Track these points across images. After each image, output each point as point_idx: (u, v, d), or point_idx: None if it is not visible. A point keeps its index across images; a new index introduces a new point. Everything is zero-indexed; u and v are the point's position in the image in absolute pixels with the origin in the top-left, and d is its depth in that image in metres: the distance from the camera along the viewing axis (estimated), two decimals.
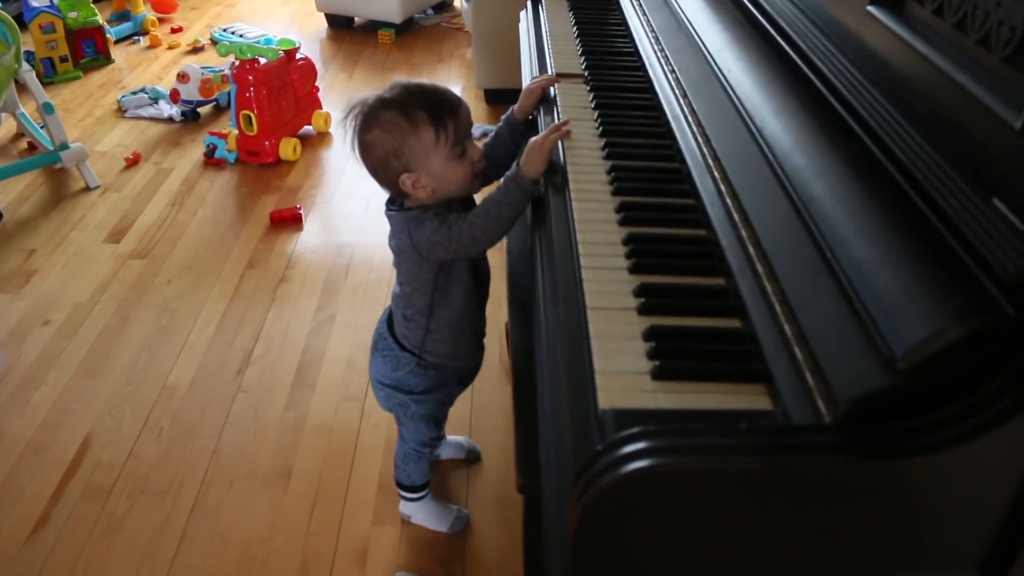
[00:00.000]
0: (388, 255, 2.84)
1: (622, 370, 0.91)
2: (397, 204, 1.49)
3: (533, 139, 1.37)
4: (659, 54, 1.58)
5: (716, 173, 1.16)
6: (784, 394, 0.85)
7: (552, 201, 1.28)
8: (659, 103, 1.45)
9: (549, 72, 1.73)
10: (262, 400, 2.22)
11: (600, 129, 1.43)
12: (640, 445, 0.71)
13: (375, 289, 2.66)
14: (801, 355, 0.83)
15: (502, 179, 1.39)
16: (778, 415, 0.85)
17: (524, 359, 1.43)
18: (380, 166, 1.42)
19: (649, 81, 1.56)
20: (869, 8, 1.04)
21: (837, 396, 0.75)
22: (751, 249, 1.00)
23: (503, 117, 1.68)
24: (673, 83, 1.44)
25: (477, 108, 3.82)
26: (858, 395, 0.74)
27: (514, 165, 1.39)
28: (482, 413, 2.17)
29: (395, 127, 1.38)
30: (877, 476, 0.73)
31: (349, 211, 3.09)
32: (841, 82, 1.05)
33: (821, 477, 0.73)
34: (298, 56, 3.48)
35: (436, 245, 1.42)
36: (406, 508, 1.88)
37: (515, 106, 1.67)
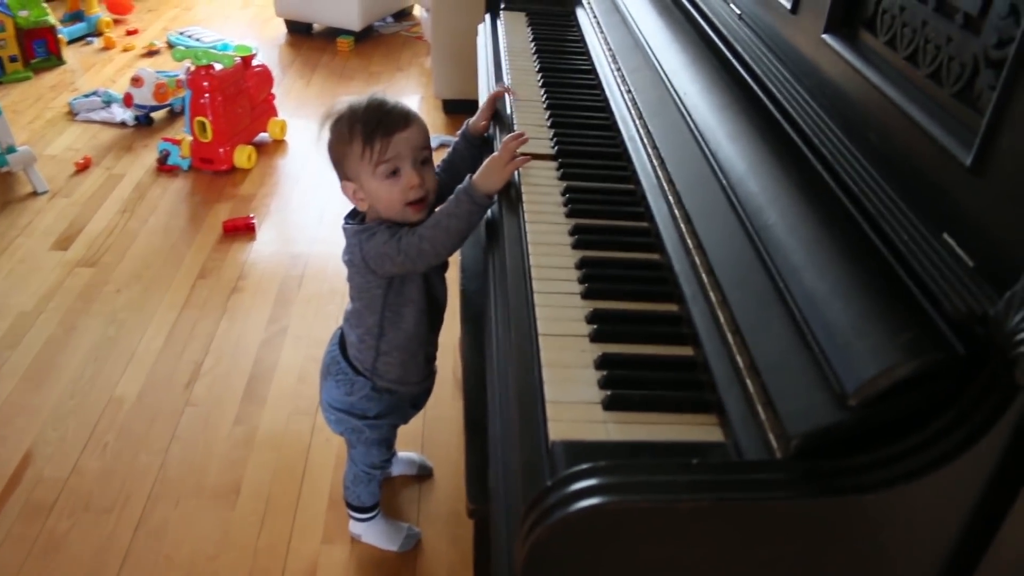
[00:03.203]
0: (341, 267, 2.78)
1: (573, 400, 0.90)
2: (357, 219, 1.47)
3: (493, 156, 1.36)
4: (616, 73, 1.58)
5: (671, 197, 1.15)
6: (736, 426, 0.84)
7: (506, 221, 1.27)
8: (615, 123, 1.45)
9: (501, 84, 1.72)
10: (211, 414, 2.17)
11: (556, 148, 1.43)
12: (589, 482, 0.70)
13: (328, 301, 2.63)
14: (752, 387, 0.83)
15: (454, 192, 1.38)
16: (730, 448, 0.84)
17: (476, 381, 1.42)
18: (336, 166, 1.46)
19: (606, 100, 1.56)
20: (824, 36, 1.04)
21: (788, 431, 0.75)
22: (704, 276, 1.00)
23: (459, 132, 1.66)
24: (629, 104, 1.44)
25: (435, 118, 3.80)
26: (808, 431, 0.73)
27: (467, 178, 1.38)
28: (434, 428, 2.15)
29: (338, 136, 1.42)
30: (827, 512, 0.73)
31: (303, 221, 3.05)
32: (795, 109, 1.05)
33: (771, 514, 0.72)
34: (255, 62, 3.43)
35: (384, 257, 1.40)
36: (356, 527, 1.85)
37: (469, 120, 1.66)
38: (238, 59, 3.28)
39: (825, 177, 0.95)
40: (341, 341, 1.63)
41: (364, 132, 1.39)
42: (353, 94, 4.02)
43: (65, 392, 2.22)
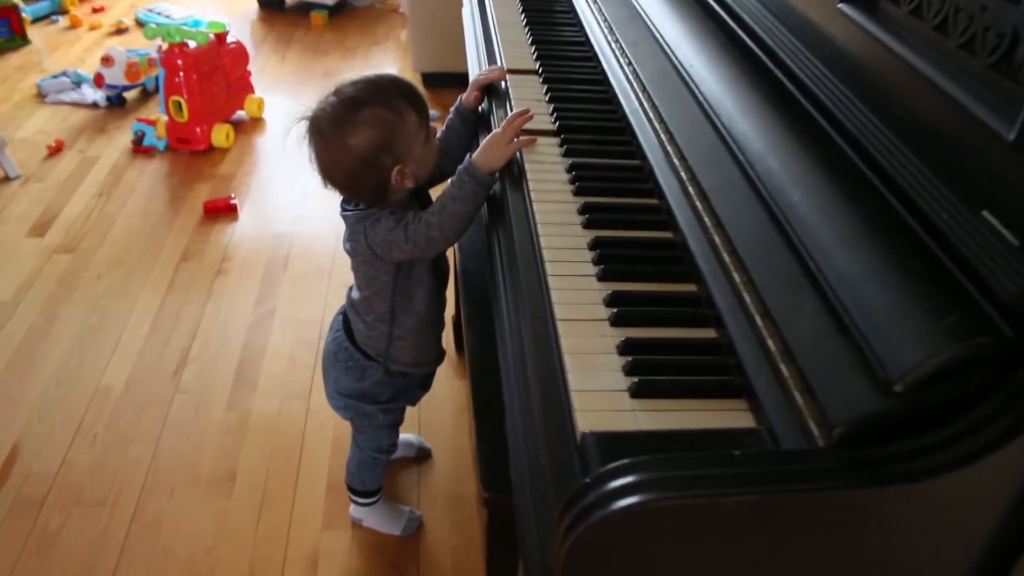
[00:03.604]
0: (327, 245, 2.82)
1: (599, 388, 0.87)
2: (353, 204, 1.42)
3: (495, 134, 1.32)
4: (614, 45, 1.53)
5: (683, 173, 1.12)
6: (769, 411, 0.82)
7: (511, 200, 1.23)
8: (615, 97, 1.41)
9: (499, 63, 1.67)
10: (202, 401, 2.13)
11: (557, 124, 1.39)
12: (629, 479, 0.67)
13: (315, 281, 2.58)
14: (788, 372, 0.81)
15: (456, 173, 1.34)
16: (764, 434, 0.82)
17: (481, 364, 1.40)
18: (365, 167, 1.33)
19: (603, 73, 1.52)
20: (840, 6, 1.01)
21: (831, 419, 0.72)
22: (726, 256, 0.97)
23: (453, 108, 1.62)
24: (631, 77, 1.40)
25: None
26: (853, 419, 0.71)
27: (467, 157, 1.34)
28: (431, 409, 2.12)
29: (381, 120, 1.31)
30: (872, 502, 0.71)
31: (286, 200, 2.99)
32: (813, 82, 1.02)
33: (818, 505, 0.70)
34: (229, 39, 3.35)
35: (392, 245, 1.36)
36: (357, 512, 1.83)
37: (463, 95, 1.61)
38: (212, 36, 3.19)
39: (850, 153, 0.93)
40: (346, 326, 1.59)
41: (410, 101, 1.34)
42: (330, 69, 3.96)
43: (50, 383, 2.17)
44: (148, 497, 1.87)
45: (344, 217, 1.44)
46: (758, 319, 0.88)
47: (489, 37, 1.80)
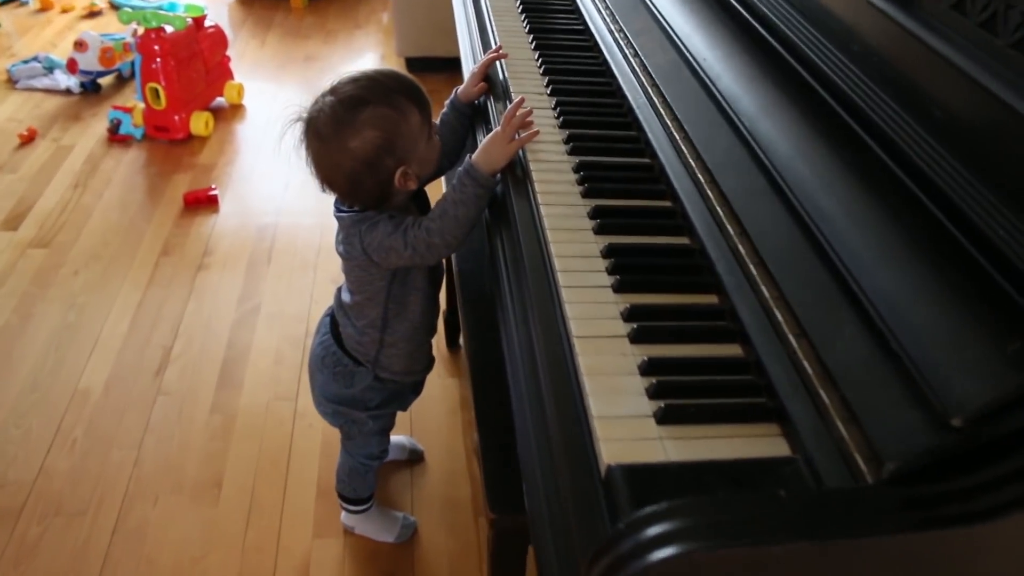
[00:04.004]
0: (312, 237, 2.74)
1: (622, 414, 0.81)
2: (348, 205, 1.35)
3: (495, 132, 1.25)
4: (618, 35, 1.47)
5: (700, 175, 1.06)
6: (805, 438, 0.76)
7: (515, 202, 1.17)
8: (620, 89, 1.35)
9: (493, 48, 1.59)
10: (185, 403, 2.06)
11: (560, 119, 1.32)
12: (669, 526, 0.62)
13: (300, 275, 2.50)
14: (828, 398, 0.75)
15: (456, 175, 1.27)
16: (801, 463, 0.77)
17: (484, 374, 1.33)
18: (367, 170, 1.26)
19: (606, 64, 1.45)
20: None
21: (882, 453, 0.67)
22: (751, 266, 0.91)
23: (447, 101, 1.55)
24: (638, 69, 1.34)
25: None
26: (906, 455, 0.66)
27: (467, 158, 1.27)
28: (423, 409, 2.06)
29: (385, 120, 1.24)
30: (928, 545, 0.65)
31: (268, 190, 2.90)
32: (841, 79, 0.96)
33: (872, 549, 0.64)
34: (207, 23, 3.24)
35: (390, 250, 1.29)
36: (349, 519, 1.77)
37: (458, 88, 1.54)
38: (189, 20, 3.09)
39: (886, 159, 0.87)
40: (334, 329, 1.52)
41: (412, 98, 1.27)
42: (311, 53, 3.87)
43: (26, 385, 2.09)
44: (131, 505, 1.80)
45: (338, 218, 1.37)
46: (791, 339, 0.82)
47: (484, 25, 1.73)
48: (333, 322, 1.52)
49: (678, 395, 0.84)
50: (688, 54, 1.23)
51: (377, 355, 1.46)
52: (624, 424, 0.80)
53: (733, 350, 0.91)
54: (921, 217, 0.80)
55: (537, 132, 1.25)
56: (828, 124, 0.97)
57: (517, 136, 1.25)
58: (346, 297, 1.46)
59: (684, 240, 1.06)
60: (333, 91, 1.29)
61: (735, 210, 0.97)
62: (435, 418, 2.06)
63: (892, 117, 0.87)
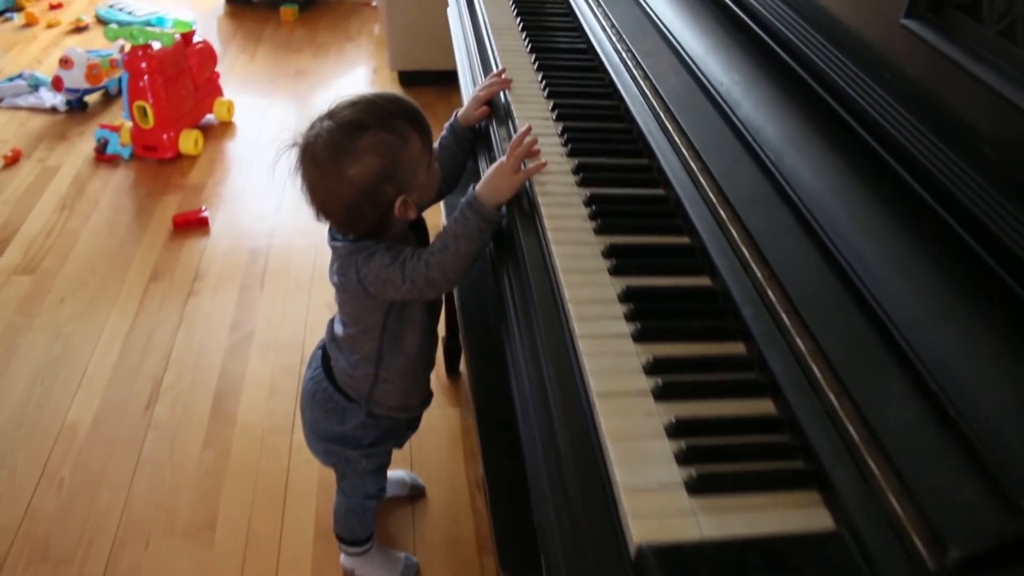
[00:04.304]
0: (306, 259, 2.66)
1: (651, 484, 0.74)
2: (343, 233, 1.28)
3: (500, 163, 1.18)
4: (625, 55, 1.40)
5: (722, 211, 0.99)
6: (851, 509, 0.70)
7: (523, 241, 1.10)
8: (629, 113, 1.28)
9: (495, 71, 1.53)
10: (177, 438, 1.98)
11: (568, 147, 1.25)
12: None
13: (294, 300, 2.43)
14: (877, 468, 0.68)
15: (458, 207, 1.20)
16: (847, 538, 0.70)
17: (491, 420, 1.27)
18: (367, 199, 1.20)
19: (612, 85, 1.38)
20: (904, 22, 0.88)
21: (945, 538, 0.60)
22: (782, 314, 0.84)
23: (447, 124, 1.48)
24: (648, 92, 1.27)
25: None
26: (973, 542, 0.59)
27: (470, 189, 1.20)
28: (422, 441, 1.98)
29: (385, 146, 1.18)
30: None
31: (260, 211, 2.83)
32: (875, 109, 0.89)
33: None
34: (195, 39, 3.17)
35: (387, 283, 1.22)
36: (348, 561, 1.69)
37: (459, 111, 1.47)
38: (177, 36, 3.02)
39: (927, 197, 0.80)
40: (325, 362, 1.45)
41: (413, 123, 1.21)
42: (302, 68, 3.80)
43: (10, 422, 2.01)
44: (121, 549, 1.73)
45: (333, 247, 1.30)
46: (831, 396, 0.75)
47: (483, 44, 1.66)
48: (325, 355, 1.45)
49: (709, 459, 0.77)
50: (703, 77, 1.16)
51: (371, 391, 1.39)
52: (654, 496, 0.73)
53: (765, 406, 0.84)
54: (974, 264, 0.73)
55: (545, 164, 1.18)
56: (860, 156, 0.90)
57: (523, 167, 1.18)
58: (339, 329, 1.39)
59: (706, 281, 0.99)
60: (331, 115, 1.22)
61: (762, 251, 0.90)
62: (435, 450, 1.99)
63: (933, 152, 0.81)
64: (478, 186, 1.19)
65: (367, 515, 1.62)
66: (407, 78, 3.56)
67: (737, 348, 0.90)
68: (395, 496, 1.86)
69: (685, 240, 1.06)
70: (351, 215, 1.23)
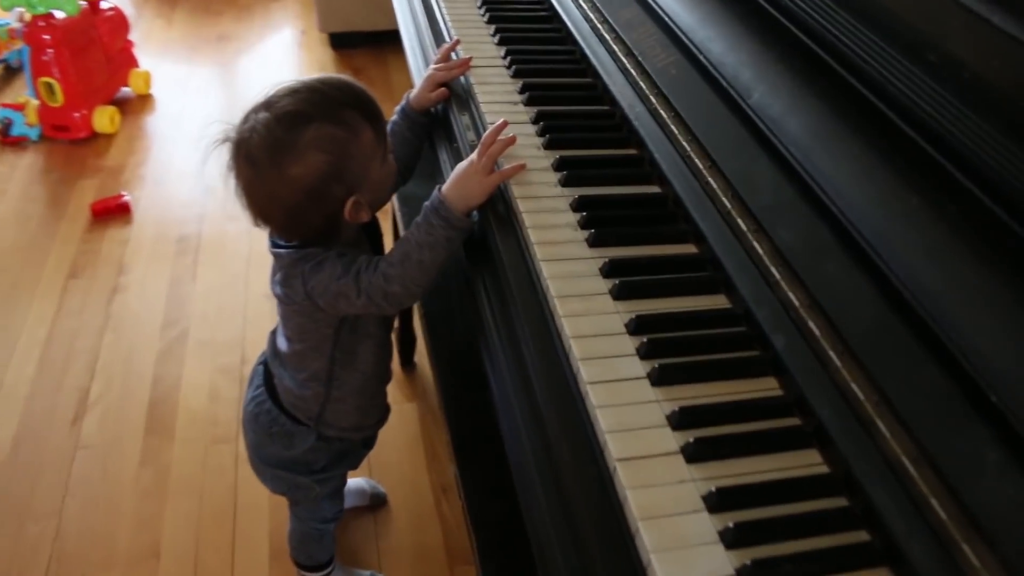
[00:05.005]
0: (240, 247, 2.45)
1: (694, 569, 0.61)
2: (286, 239, 1.12)
3: (470, 163, 1.03)
4: (601, 27, 1.23)
5: (741, 222, 0.85)
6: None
7: (504, 255, 0.94)
8: (609, 93, 1.14)
9: (447, 40, 1.36)
10: (110, 456, 1.80)
11: (546, 138, 1.09)
12: None
13: (231, 292, 2.24)
14: (971, 552, 0.56)
15: (422, 212, 1.05)
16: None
17: (470, 451, 1.12)
18: (312, 202, 1.04)
19: (587, 61, 1.23)
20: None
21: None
22: (831, 353, 0.71)
23: (398, 108, 1.31)
24: (632, 70, 1.12)
25: (323, 56, 3.34)
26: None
27: (435, 192, 1.04)
28: (380, 444, 1.80)
29: (332, 141, 1.02)
30: None
31: (187, 194, 2.60)
32: (922, 101, 0.76)
33: None
34: (104, 4, 2.90)
35: (339, 296, 1.07)
36: None
37: (410, 93, 1.30)
38: (83, 3, 2.75)
39: (1002, 215, 0.67)
40: (267, 381, 1.29)
41: (364, 112, 1.06)
42: (225, 32, 3.51)
43: None
44: None
45: (275, 255, 1.14)
46: (905, 461, 0.63)
47: (432, 13, 1.48)
48: (267, 373, 1.29)
49: (761, 538, 0.64)
50: (701, 55, 1.01)
51: (321, 412, 1.24)
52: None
53: (811, 461, 0.71)
54: None
55: (523, 166, 1.02)
56: (906, 159, 0.77)
57: (498, 170, 1.02)
58: (283, 345, 1.23)
59: (725, 304, 0.86)
60: (267, 105, 1.05)
61: (796, 270, 0.77)
62: (394, 451, 1.84)
63: (1005, 157, 0.68)
64: (445, 188, 1.03)
65: (326, 538, 1.48)
66: (338, 40, 3.33)
67: (770, 389, 0.78)
68: (355, 507, 1.71)
69: (693, 250, 0.92)
70: (294, 221, 1.08)
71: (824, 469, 0.71)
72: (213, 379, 1.99)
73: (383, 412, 1.35)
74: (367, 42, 3.27)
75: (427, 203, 1.04)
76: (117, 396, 1.93)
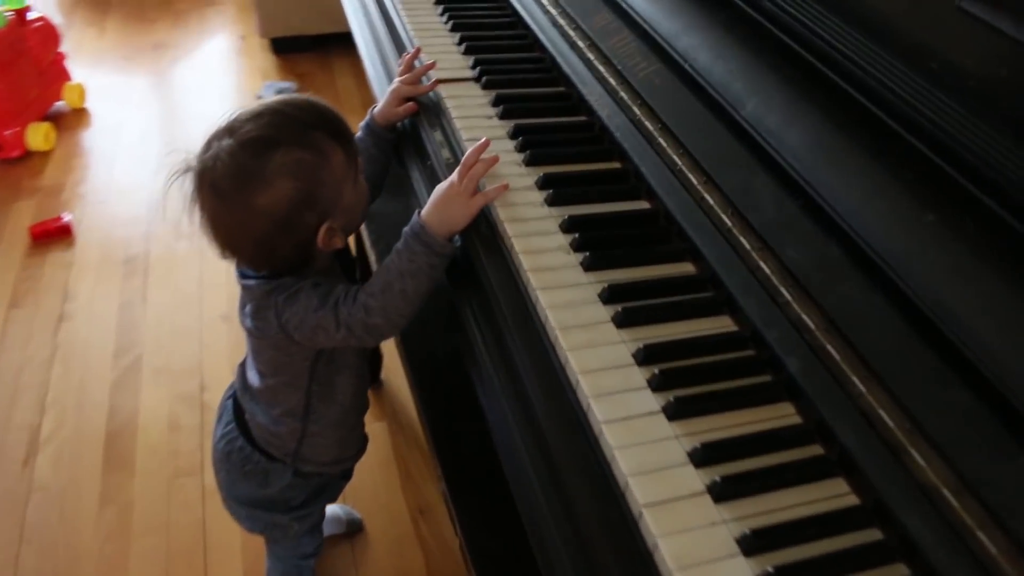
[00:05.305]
0: (191, 266, 2.36)
1: None
2: (255, 269, 1.06)
3: (450, 185, 0.98)
4: (573, 34, 1.18)
5: (744, 239, 0.82)
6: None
7: (497, 288, 0.90)
8: (586, 103, 1.10)
9: (409, 49, 1.30)
10: (67, 498, 1.70)
11: (526, 154, 1.05)
12: None
13: (185, 314, 2.15)
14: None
15: (402, 238, 0.99)
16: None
17: (460, 479, 1.08)
18: (282, 232, 0.99)
19: (558, 70, 1.19)
20: (962, 4, 0.72)
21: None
22: (854, 379, 0.68)
23: (362, 124, 1.26)
24: (611, 77, 1.08)
25: (265, 62, 3.24)
26: None
27: (415, 217, 0.99)
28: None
29: (302, 166, 0.97)
30: None
31: (131, 212, 2.49)
32: (931, 112, 0.73)
33: None
34: (31, 15, 2.77)
35: (317, 329, 1.02)
36: None
37: (375, 108, 1.25)
38: (9, 14, 2.62)
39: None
40: (238, 416, 1.23)
41: (334, 132, 1.01)
42: (161, 40, 3.37)
43: None
44: None
45: (245, 287, 1.08)
46: (944, 491, 0.60)
47: (390, 21, 1.42)
48: (237, 407, 1.23)
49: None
50: (687, 65, 0.97)
51: (298, 448, 1.19)
52: None
53: (837, 487, 0.69)
54: None
55: (507, 185, 0.97)
56: (908, 165, 0.74)
57: (482, 192, 0.97)
58: (255, 380, 1.17)
59: (731, 327, 0.82)
60: (230, 131, 0.99)
61: (811, 293, 0.74)
62: (367, 474, 1.78)
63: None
64: (424, 212, 0.98)
65: (306, 573, 1.42)
66: (281, 45, 3.23)
67: (788, 417, 0.74)
68: (331, 535, 1.65)
69: (688, 269, 0.89)
70: (264, 251, 1.02)
71: (854, 500, 0.68)
72: (172, 408, 1.90)
73: (362, 442, 1.29)
74: (311, 46, 3.18)
75: (406, 229, 0.99)
76: (71, 432, 1.84)
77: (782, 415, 0.74)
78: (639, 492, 0.66)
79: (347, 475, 1.38)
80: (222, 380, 1.95)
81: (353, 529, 1.68)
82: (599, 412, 0.72)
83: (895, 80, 0.77)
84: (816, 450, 0.71)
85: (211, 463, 1.30)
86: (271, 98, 1.05)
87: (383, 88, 1.33)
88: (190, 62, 3.30)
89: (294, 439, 1.18)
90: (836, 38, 0.83)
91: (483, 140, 1.00)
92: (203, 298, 2.19)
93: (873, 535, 0.66)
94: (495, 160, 1.00)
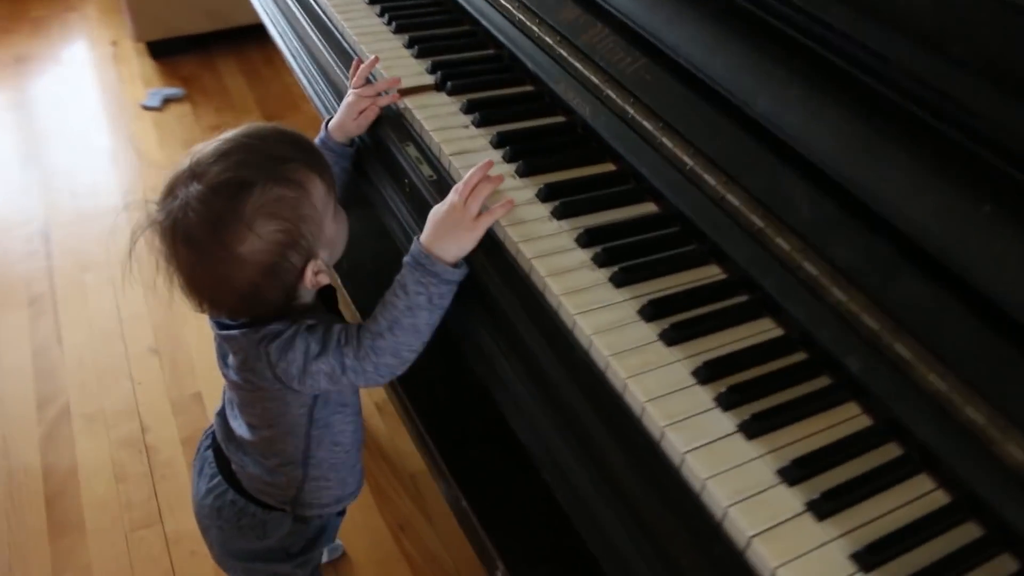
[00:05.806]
0: (103, 296, 2.19)
1: None
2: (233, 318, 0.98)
3: (452, 207, 0.92)
4: (537, 28, 1.14)
5: (783, 243, 0.80)
6: None
7: (514, 302, 0.86)
8: (555, 97, 1.06)
9: (354, 55, 1.23)
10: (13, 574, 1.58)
11: (519, 163, 1.00)
12: None
13: (107, 353, 2.00)
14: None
15: (404, 269, 0.93)
16: None
17: (502, 518, 1.04)
18: (268, 277, 0.92)
19: (517, 63, 1.14)
20: None
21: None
22: (931, 377, 0.67)
23: (318, 139, 1.18)
24: (592, 75, 1.04)
25: (143, 68, 3.02)
26: None
27: (415, 245, 0.93)
28: None
29: (282, 205, 0.90)
30: None
31: (23, 247, 2.28)
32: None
33: None
34: None
35: (319, 375, 0.95)
36: None
37: (329, 121, 1.17)
38: None
39: None
40: (224, 468, 1.15)
41: (309, 161, 0.95)
42: (22, 53, 3.14)
43: None
44: None
45: (227, 338, 0.99)
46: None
47: (324, 26, 1.33)
48: (220, 458, 1.15)
49: None
50: (682, 60, 0.94)
51: (298, 494, 1.13)
52: None
53: (924, 485, 0.69)
54: None
55: (512, 201, 0.93)
56: (948, 157, 0.74)
57: (487, 211, 0.92)
58: (243, 432, 1.09)
59: (771, 327, 0.81)
60: (195, 175, 0.91)
61: (872, 294, 0.72)
62: None
63: None
64: (427, 239, 0.92)
65: None
66: (158, 48, 3.02)
67: (851, 408, 0.73)
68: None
69: (721, 274, 0.87)
70: (248, 302, 0.95)
71: (944, 499, 0.68)
72: (114, 456, 1.78)
73: (360, 478, 1.23)
74: (191, 47, 3.00)
75: (407, 258, 0.93)
76: (3, 501, 1.69)
77: (849, 416, 0.74)
78: (743, 522, 0.64)
79: (343, 512, 1.31)
80: (163, 418, 1.84)
81: (335, 556, 1.63)
82: (677, 441, 0.69)
83: (912, 66, 0.76)
84: (895, 450, 0.71)
85: (195, 521, 1.21)
86: (229, 132, 0.97)
87: (329, 102, 1.25)
88: (57, 75, 3.05)
89: (294, 487, 1.11)
90: (845, 25, 0.82)
91: (486, 161, 0.94)
92: (124, 332, 2.05)
93: (972, 531, 0.65)
94: (500, 180, 0.95)
